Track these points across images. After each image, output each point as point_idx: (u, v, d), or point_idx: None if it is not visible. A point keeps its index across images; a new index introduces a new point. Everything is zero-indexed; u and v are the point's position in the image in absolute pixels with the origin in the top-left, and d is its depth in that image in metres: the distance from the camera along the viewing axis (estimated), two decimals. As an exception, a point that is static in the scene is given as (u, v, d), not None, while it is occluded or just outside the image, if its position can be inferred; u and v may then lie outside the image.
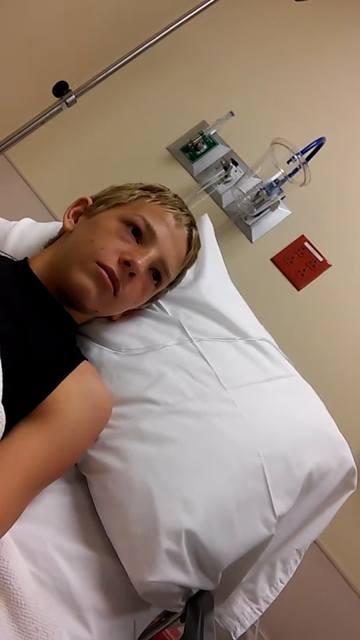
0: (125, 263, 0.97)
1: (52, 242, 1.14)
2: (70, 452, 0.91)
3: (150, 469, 0.93)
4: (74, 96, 1.56)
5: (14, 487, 0.79)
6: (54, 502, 0.95)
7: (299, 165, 1.49)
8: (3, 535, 0.77)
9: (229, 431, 0.98)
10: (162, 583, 0.85)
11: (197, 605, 0.90)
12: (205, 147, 1.78)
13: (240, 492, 0.93)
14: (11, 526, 0.79)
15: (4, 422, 0.79)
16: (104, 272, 0.95)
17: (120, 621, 0.90)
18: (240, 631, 1.03)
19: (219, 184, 1.74)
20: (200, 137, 1.75)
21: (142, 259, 0.98)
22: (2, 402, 0.78)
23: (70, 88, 1.56)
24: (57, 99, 1.56)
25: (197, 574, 0.89)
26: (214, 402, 1.02)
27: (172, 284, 1.15)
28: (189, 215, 1.12)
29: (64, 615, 0.84)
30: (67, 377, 0.92)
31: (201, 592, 0.93)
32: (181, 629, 0.97)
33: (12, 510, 0.79)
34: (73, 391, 0.91)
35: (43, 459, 0.84)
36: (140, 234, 1.02)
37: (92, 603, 0.87)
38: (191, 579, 0.88)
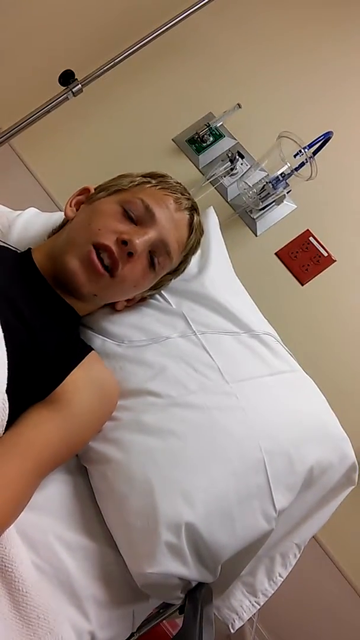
0: (123, 243, 0.96)
1: (55, 232, 1.14)
2: (78, 439, 0.93)
3: (151, 461, 0.93)
4: (80, 85, 1.55)
5: (27, 472, 0.81)
6: (55, 492, 0.95)
7: (306, 159, 1.48)
8: (17, 518, 0.79)
9: (230, 425, 0.98)
10: (161, 575, 0.86)
11: (196, 598, 0.90)
12: (211, 139, 1.77)
13: (240, 486, 0.93)
14: (23, 509, 0.80)
15: (7, 410, 0.81)
16: (94, 257, 0.95)
17: (119, 612, 0.91)
18: (238, 624, 1.03)
19: (224, 176, 1.73)
20: (207, 128, 1.74)
21: (141, 239, 0.98)
22: (7, 390, 0.79)
23: (76, 77, 1.54)
24: (63, 87, 1.55)
25: (197, 567, 0.89)
26: (216, 396, 1.02)
27: (176, 272, 1.14)
28: (189, 199, 1.12)
29: (64, 604, 0.84)
30: (76, 368, 0.92)
31: (200, 585, 0.94)
32: (179, 621, 0.98)
33: (25, 494, 0.81)
34: (82, 381, 0.92)
35: (54, 446, 0.86)
36: (139, 216, 1.02)
37: (91, 593, 0.87)
38: (190, 571, 0.88)
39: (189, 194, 1.13)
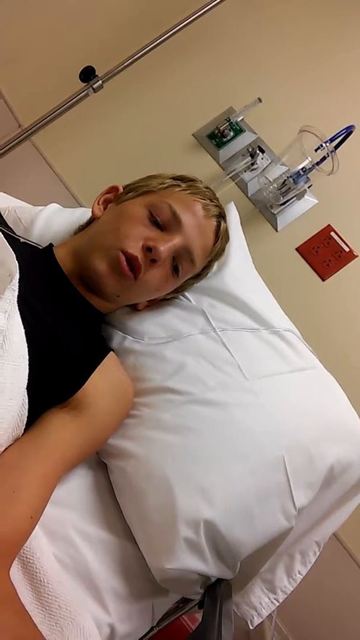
0: (148, 249, 0.97)
1: (81, 229, 1.14)
2: (98, 440, 0.96)
3: (170, 457, 0.94)
4: (100, 82, 1.55)
5: (51, 473, 0.83)
6: (76, 487, 0.96)
7: (327, 154, 1.47)
8: (42, 515, 0.80)
9: (250, 422, 0.98)
10: (179, 570, 0.86)
11: (216, 593, 0.90)
12: (232, 133, 1.76)
13: (260, 483, 0.93)
14: (46, 506, 0.82)
15: (27, 407, 0.82)
16: (122, 259, 0.96)
17: (138, 605, 0.92)
18: (257, 620, 1.03)
19: (245, 171, 1.72)
20: (227, 123, 1.73)
21: (165, 246, 0.98)
22: (28, 389, 0.80)
23: (97, 73, 1.55)
24: (83, 84, 1.56)
25: (216, 563, 0.90)
26: (236, 393, 1.02)
27: (198, 276, 1.14)
28: (218, 206, 1.11)
29: (84, 596, 0.86)
30: (95, 371, 0.93)
31: (219, 581, 0.94)
32: (198, 616, 0.98)
33: (48, 493, 0.82)
34: (102, 385, 0.93)
35: (76, 448, 0.89)
36: (166, 222, 1.01)
37: (111, 586, 0.88)
38: (209, 567, 0.89)
39: (217, 200, 1.12)
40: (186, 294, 1.17)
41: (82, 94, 1.56)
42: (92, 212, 1.11)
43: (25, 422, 0.83)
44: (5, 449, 0.81)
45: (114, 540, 0.93)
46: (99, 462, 1.03)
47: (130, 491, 0.95)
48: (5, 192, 1.38)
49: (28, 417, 0.83)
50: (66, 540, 0.88)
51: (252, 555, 0.92)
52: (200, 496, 0.89)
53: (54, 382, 0.88)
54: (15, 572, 0.80)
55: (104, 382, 0.94)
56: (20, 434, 0.83)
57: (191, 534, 0.86)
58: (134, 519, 0.94)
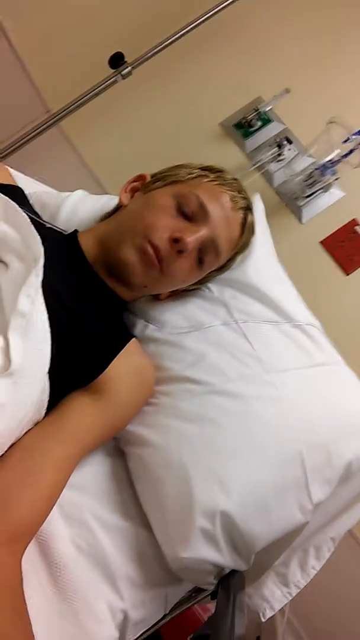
0: (175, 240, 0.96)
1: (107, 216, 1.14)
2: (118, 425, 0.96)
3: (188, 447, 0.94)
4: (129, 68, 1.54)
5: (70, 456, 0.84)
6: (94, 472, 0.97)
7: (355, 146, 1.44)
8: (59, 497, 0.81)
9: (269, 415, 0.98)
10: (194, 560, 0.87)
11: (229, 584, 0.91)
12: (259, 123, 1.74)
13: (277, 477, 0.92)
14: (63, 489, 0.83)
15: (48, 391, 0.83)
16: (149, 249, 0.95)
17: (152, 592, 0.93)
18: (269, 613, 1.04)
19: (271, 162, 1.71)
20: (255, 113, 1.72)
21: (192, 237, 0.97)
22: (49, 374, 0.81)
23: (126, 60, 1.54)
24: (112, 70, 1.55)
25: (230, 554, 0.90)
26: (256, 385, 1.01)
27: (222, 268, 1.13)
28: (246, 199, 1.10)
29: (99, 581, 0.87)
30: (117, 357, 0.93)
31: (233, 572, 0.94)
32: (211, 606, 0.99)
33: (66, 476, 0.84)
34: (123, 371, 0.93)
35: (95, 433, 0.90)
36: (193, 212, 1.00)
37: (125, 572, 0.89)
38: (224, 558, 0.89)
39: (245, 192, 1.11)
40: (209, 284, 1.17)
41: (111, 80, 1.56)
42: (119, 199, 1.11)
43: (46, 407, 0.84)
44: (26, 432, 0.82)
45: (130, 527, 0.93)
46: (118, 449, 1.03)
47: (147, 479, 0.96)
48: (32, 178, 1.39)
49: (49, 401, 0.84)
50: (83, 525, 0.89)
51: (267, 548, 0.92)
52: (217, 487, 0.89)
53: (75, 367, 0.89)
54: (32, 554, 0.81)
55: (125, 367, 0.94)
56: (41, 418, 0.84)
57: (207, 524, 0.87)
58: (151, 506, 0.94)
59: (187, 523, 0.87)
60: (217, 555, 0.88)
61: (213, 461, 0.92)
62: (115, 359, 0.93)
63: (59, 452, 0.82)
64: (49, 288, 0.83)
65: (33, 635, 0.67)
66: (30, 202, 1.18)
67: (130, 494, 0.98)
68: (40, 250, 0.81)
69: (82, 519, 0.89)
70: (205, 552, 0.87)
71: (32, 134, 1.59)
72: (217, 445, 0.94)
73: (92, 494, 0.94)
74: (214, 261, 1.06)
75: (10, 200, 0.84)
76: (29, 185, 1.25)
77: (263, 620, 1.04)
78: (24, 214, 0.84)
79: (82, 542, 0.87)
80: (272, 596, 1.04)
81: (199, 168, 1.09)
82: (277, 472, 0.93)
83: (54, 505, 0.80)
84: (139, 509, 0.96)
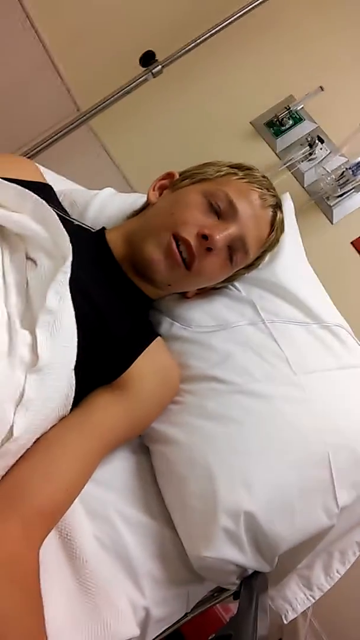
0: (203, 237, 0.96)
1: (135, 214, 1.14)
2: (141, 423, 0.97)
3: (212, 446, 0.94)
4: (160, 66, 1.54)
5: (94, 451, 0.86)
6: (118, 469, 0.98)
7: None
8: (81, 491, 0.83)
9: (295, 417, 0.97)
10: (217, 559, 0.87)
11: (252, 585, 0.90)
12: (290, 122, 1.72)
13: (303, 478, 0.92)
14: (86, 484, 0.84)
15: (74, 387, 0.84)
16: (174, 246, 0.95)
17: (174, 591, 0.93)
18: (291, 615, 1.03)
19: (302, 161, 1.68)
20: (287, 111, 1.69)
21: (221, 234, 0.96)
22: (75, 370, 0.82)
23: (157, 58, 1.54)
24: (142, 69, 1.55)
25: (254, 555, 0.90)
26: (282, 386, 1.01)
27: (250, 266, 1.12)
28: (275, 196, 1.09)
29: (121, 577, 0.87)
30: (141, 355, 0.94)
31: (256, 573, 0.94)
32: (232, 606, 0.98)
33: (89, 470, 0.85)
34: (147, 369, 0.94)
35: (119, 429, 0.90)
36: (222, 210, 1.00)
37: (148, 570, 0.90)
38: (247, 559, 0.89)
39: (274, 189, 1.10)
40: (236, 283, 1.16)
41: (142, 79, 1.55)
42: (148, 197, 1.11)
43: (72, 403, 0.85)
44: (51, 427, 0.82)
45: (153, 524, 0.94)
46: (142, 446, 1.04)
47: (171, 477, 0.96)
48: (62, 176, 1.40)
49: (75, 397, 0.85)
50: (107, 520, 0.90)
51: (291, 550, 0.91)
52: (241, 487, 0.89)
53: (101, 364, 0.90)
54: (55, 547, 0.82)
55: (149, 365, 0.94)
56: (67, 414, 0.85)
57: (231, 524, 0.87)
58: (174, 505, 0.95)
59: (210, 522, 0.87)
60: (240, 556, 0.88)
61: (238, 461, 0.92)
62: (139, 357, 0.93)
63: (80, 445, 0.83)
64: (76, 285, 0.83)
65: (44, 630, 0.68)
66: (60, 199, 1.19)
67: (154, 491, 0.98)
68: (68, 248, 0.82)
69: (105, 514, 0.90)
70: (228, 552, 0.87)
71: (62, 132, 1.60)
72: (242, 446, 0.94)
73: (116, 490, 0.95)
74: (243, 259, 1.06)
75: (39, 198, 0.85)
76: (59, 183, 1.26)
77: (285, 622, 1.03)
78: (52, 212, 0.84)
79: (105, 537, 0.88)
80: (295, 598, 1.03)
81: (227, 166, 1.09)
82: (303, 474, 0.92)
83: (73, 498, 0.81)
84: (162, 507, 0.96)
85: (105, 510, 0.91)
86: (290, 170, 1.70)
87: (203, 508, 0.89)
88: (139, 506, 0.95)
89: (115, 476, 0.96)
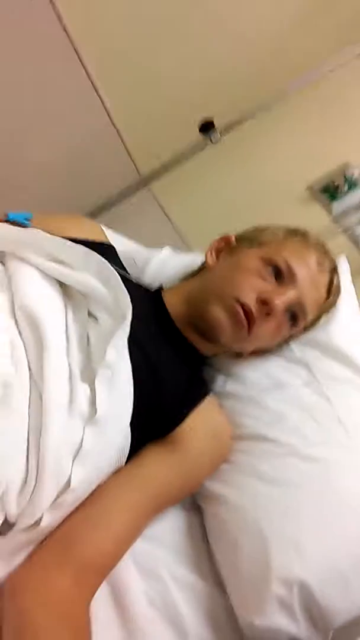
0: (263, 302, 0.97)
1: (192, 275, 1.17)
2: (192, 481, 0.96)
3: (265, 510, 0.92)
4: (219, 134, 1.61)
5: (144, 505, 0.86)
6: (170, 527, 0.98)
7: None
8: (131, 545, 0.83)
9: (350, 483, 0.95)
10: (269, 628, 0.84)
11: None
12: (346, 188, 1.75)
13: (357, 550, 0.88)
14: (136, 540, 0.84)
15: (129, 441, 0.85)
16: (239, 310, 0.96)
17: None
18: None
19: (358, 225, 1.70)
20: (343, 178, 1.73)
21: (280, 299, 0.97)
22: (131, 424, 0.84)
23: (216, 126, 1.61)
24: (202, 136, 1.62)
25: (307, 626, 0.86)
26: (337, 450, 0.99)
27: (306, 328, 1.12)
28: (332, 260, 1.10)
29: (170, 637, 0.85)
30: (193, 412, 0.95)
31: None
32: None
33: (139, 525, 0.85)
34: (199, 426, 0.94)
35: (169, 485, 0.90)
36: (280, 274, 1.01)
37: (197, 632, 0.87)
38: (300, 629, 0.85)
39: (330, 254, 1.12)
40: (291, 344, 1.16)
41: (201, 146, 1.62)
42: (205, 260, 1.13)
43: (127, 456, 0.86)
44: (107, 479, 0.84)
45: (204, 586, 0.92)
46: (195, 505, 1.03)
47: (223, 538, 0.95)
48: (123, 236, 1.45)
49: (130, 450, 0.86)
50: (158, 579, 0.89)
51: (347, 625, 0.87)
52: (295, 554, 0.87)
53: (154, 419, 0.91)
54: (106, 603, 0.83)
55: (201, 422, 0.95)
56: (122, 466, 0.86)
57: (284, 592, 0.84)
58: (226, 567, 0.93)
59: (263, 589, 0.85)
60: (292, 626, 0.85)
61: (291, 527, 0.90)
62: (191, 414, 0.94)
63: (131, 498, 0.84)
64: (134, 342, 0.86)
65: None
66: (121, 259, 1.24)
67: (205, 550, 0.97)
68: (128, 306, 0.85)
69: (156, 572, 0.90)
70: (281, 621, 0.84)
71: (124, 195, 1.68)
72: (296, 511, 0.92)
73: (167, 548, 0.94)
74: (301, 323, 1.06)
75: (102, 258, 0.90)
76: (121, 243, 1.31)
77: None
78: (114, 271, 0.89)
79: (156, 596, 0.87)
80: None
81: (283, 231, 1.11)
82: (357, 545, 0.89)
83: (124, 551, 0.81)
84: (213, 567, 0.95)
85: (156, 567, 0.90)
86: (346, 234, 1.71)
87: (256, 574, 0.87)
88: (190, 566, 0.94)
89: (167, 534, 0.96)
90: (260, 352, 1.13)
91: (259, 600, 0.84)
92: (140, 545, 0.85)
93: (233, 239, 1.15)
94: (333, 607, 0.85)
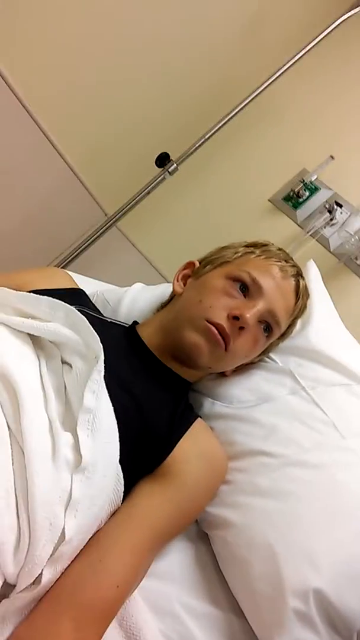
0: (235, 318, 0.98)
1: (163, 306, 1.19)
2: (191, 510, 0.94)
3: (270, 524, 0.91)
4: (175, 165, 1.64)
5: (144, 544, 0.84)
6: (177, 560, 0.96)
7: None
8: (137, 585, 0.81)
9: (351, 482, 0.94)
10: None
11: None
12: (307, 193, 1.79)
13: None
14: (142, 579, 0.83)
15: (122, 480, 0.84)
16: (213, 328, 0.98)
17: None
18: None
19: (324, 227, 1.73)
20: (302, 184, 1.76)
21: (251, 312, 0.99)
22: (121, 463, 0.83)
23: (171, 158, 1.65)
24: (159, 169, 1.66)
25: (329, 635, 0.84)
26: (333, 452, 0.99)
27: (283, 336, 1.14)
28: (294, 266, 1.12)
29: None
30: (182, 438, 0.94)
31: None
32: None
33: (142, 564, 0.83)
34: (190, 452, 0.93)
35: (167, 518, 0.88)
36: (247, 288, 1.03)
37: None
38: (323, 639, 0.83)
39: (292, 259, 1.14)
40: (271, 355, 1.17)
41: (159, 178, 1.66)
42: (173, 289, 1.15)
43: (122, 496, 0.85)
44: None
45: (220, 614, 0.90)
46: (200, 533, 1.02)
47: (233, 561, 0.93)
48: (94, 277, 1.48)
49: (124, 490, 0.85)
50: (172, 615, 0.87)
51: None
52: (306, 563, 0.85)
53: (145, 453, 0.90)
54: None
55: (192, 448, 0.94)
56: (118, 507, 0.85)
57: (300, 604, 0.82)
58: (240, 590, 0.91)
59: (279, 605, 0.83)
60: (315, 637, 0.82)
61: (298, 536, 0.89)
62: (180, 440, 0.94)
63: (129, 538, 0.82)
64: (114, 380, 0.87)
65: None
66: (93, 300, 1.25)
67: (217, 578, 0.95)
68: (99, 347, 0.86)
69: (170, 609, 0.87)
70: (302, 634, 0.82)
71: (94, 237, 1.71)
72: (301, 519, 0.91)
73: (178, 583, 0.92)
74: (275, 331, 1.07)
75: (68, 305, 0.91)
76: (90, 286, 1.33)
77: None
78: (82, 316, 0.90)
79: (173, 634, 0.85)
80: None
81: (243, 246, 1.13)
82: None
83: (127, 594, 0.80)
84: (227, 593, 0.93)
85: (169, 604, 0.88)
86: (314, 238, 1.74)
87: (270, 591, 0.85)
88: (204, 596, 0.92)
89: (175, 568, 0.94)
90: (243, 368, 1.15)
91: (277, 617, 0.83)
92: (150, 584, 0.83)
93: (197, 263, 1.18)
94: (352, 609, 0.84)
